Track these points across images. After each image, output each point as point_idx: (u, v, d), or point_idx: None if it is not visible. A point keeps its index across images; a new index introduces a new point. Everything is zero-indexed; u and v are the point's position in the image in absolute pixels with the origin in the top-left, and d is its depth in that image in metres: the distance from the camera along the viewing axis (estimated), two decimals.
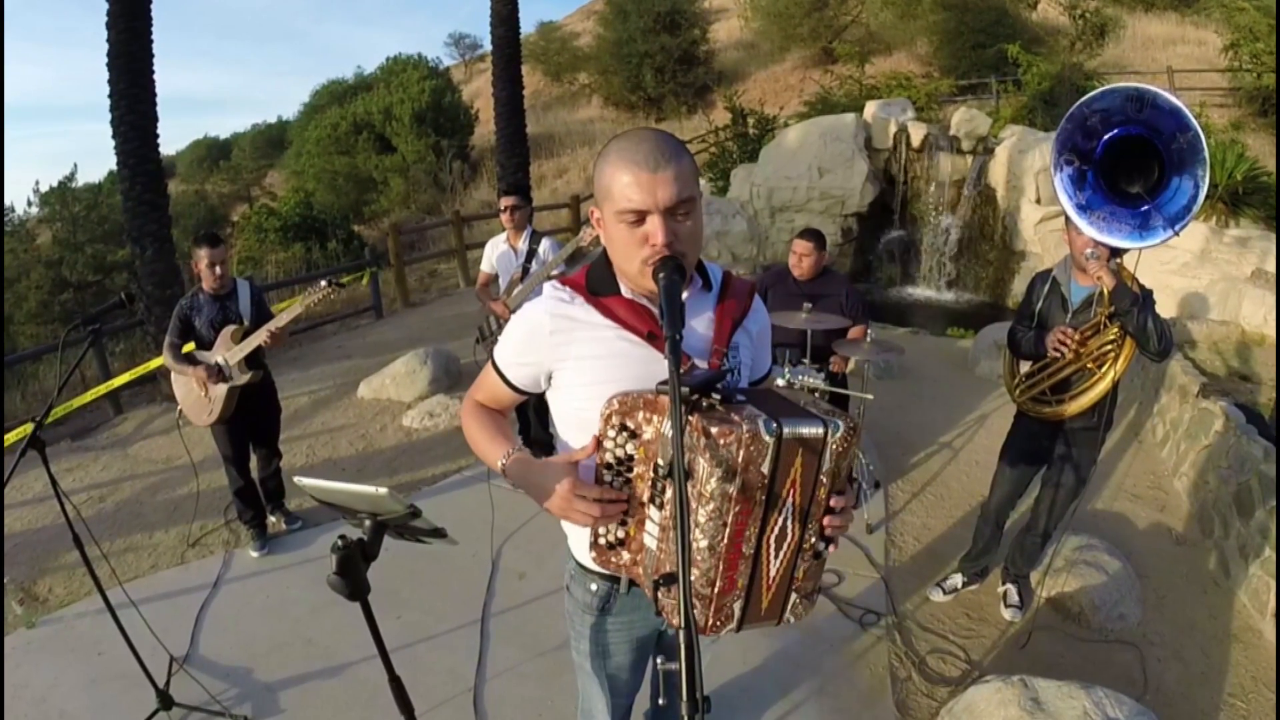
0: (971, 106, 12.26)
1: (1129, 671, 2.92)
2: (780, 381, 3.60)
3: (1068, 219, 2.54)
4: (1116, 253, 2.60)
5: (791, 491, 1.19)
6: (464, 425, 1.56)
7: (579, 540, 1.50)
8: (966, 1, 17.71)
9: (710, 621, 1.23)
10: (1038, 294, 2.98)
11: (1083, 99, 2.36)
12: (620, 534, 1.32)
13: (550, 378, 1.44)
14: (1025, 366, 3.08)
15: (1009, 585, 3.31)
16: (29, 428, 2.65)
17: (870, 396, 3.91)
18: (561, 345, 1.38)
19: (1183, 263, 7.78)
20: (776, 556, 1.23)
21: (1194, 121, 2.18)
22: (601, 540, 1.34)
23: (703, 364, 1.37)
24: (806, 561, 1.26)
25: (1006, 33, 16.29)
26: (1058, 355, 2.79)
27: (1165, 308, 7.31)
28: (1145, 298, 2.61)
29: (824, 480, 1.20)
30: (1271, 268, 6.88)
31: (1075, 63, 14.35)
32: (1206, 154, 2.20)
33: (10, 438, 5.05)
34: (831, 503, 1.23)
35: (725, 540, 1.17)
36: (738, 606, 1.24)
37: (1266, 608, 3.13)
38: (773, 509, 1.19)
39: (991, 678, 2.55)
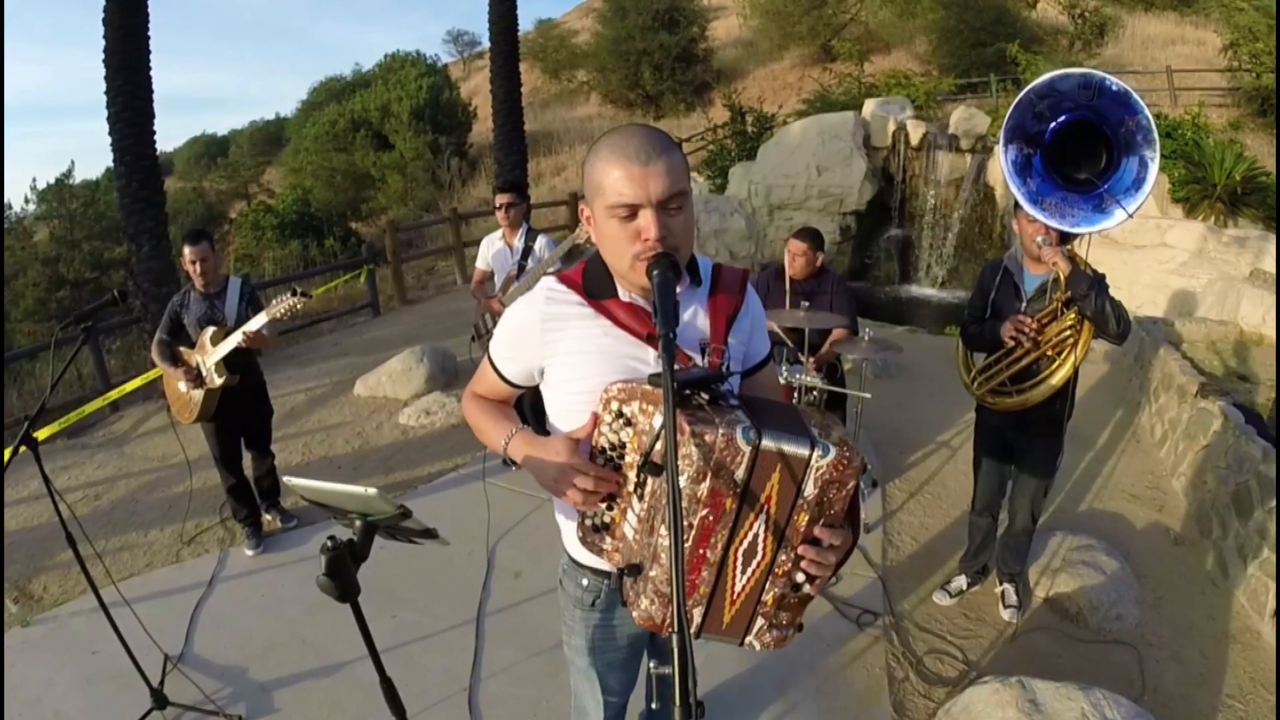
0: (970, 105, 12.26)
1: (1127, 672, 2.91)
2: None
3: (1017, 207, 2.55)
4: (1066, 238, 2.61)
5: (766, 506, 1.14)
6: (466, 415, 1.60)
7: (571, 534, 1.50)
8: (966, 0, 17.70)
9: (668, 620, 1.19)
10: (989, 285, 2.97)
11: (1032, 84, 2.36)
12: (606, 519, 1.31)
13: (542, 373, 1.45)
14: (980, 359, 3.06)
15: (1006, 585, 3.30)
16: (44, 432, 2.62)
17: (868, 395, 3.90)
18: (551, 342, 1.39)
19: (1181, 262, 7.79)
20: (744, 572, 1.19)
21: (1143, 105, 2.20)
22: (588, 522, 1.33)
23: (701, 361, 1.36)
24: (779, 588, 1.21)
25: (1006, 31, 16.29)
26: (1014, 344, 2.78)
27: (1162, 306, 7.35)
28: (1100, 281, 2.60)
29: (803, 504, 1.15)
30: (1268, 267, 6.88)
31: (1074, 62, 14.33)
32: (1156, 136, 2.22)
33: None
34: (816, 532, 1.17)
35: (690, 542, 1.14)
36: (697, 612, 1.21)
37: (1265, 608, 3.12)
38: (745, 520, 1.15)
39: (989, 678, 2.54)
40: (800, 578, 1.21)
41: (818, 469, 1.12)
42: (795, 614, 1.26)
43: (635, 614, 1.21)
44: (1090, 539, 3.53)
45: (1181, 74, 13.62)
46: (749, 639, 1.26)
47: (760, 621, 1.24)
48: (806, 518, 1.16)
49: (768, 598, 1.22)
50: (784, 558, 1.18)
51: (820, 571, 1.20)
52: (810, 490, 1.14)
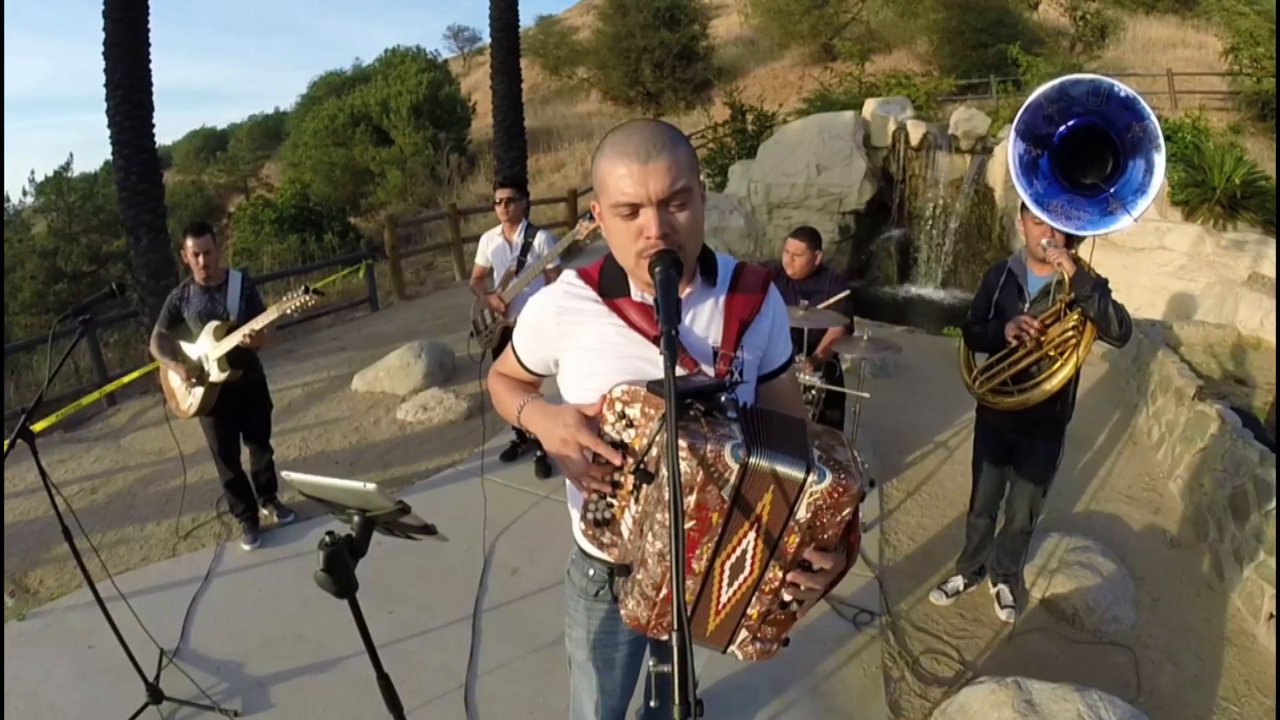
0: (971, 106, 12.25)
1: (1123, 674, 2.92)
2: None
3: (1023, 208, 2.57)
4: (1071, 240, 2.64)
5: (756, 523, 1.13)
6: (490, 389, 1.65)
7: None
8: (968, 1, 17.71)
9: (653, 623, 1.21)
10: (993, 285, 3.00)
11: (1041, 89, 2.38)
12: (607, 514, 1.31)
13: (557, 364, 1.48)
14: (982, 359, 3.08)
15: (1001, 586, 3.30)
16: (41, 425, 2.61)
17: (866, 395, 3.90)
18: (565, 336, 1.41)
19: (1180, 265, 7.79)
20: (730, 585, 1.19)
21: (1149, 111, 2.24)
22: (590, 515, 1.33)
23: (709, 369, 1.35)
24: (764, 605, 1.21)
25: (1007, 33, 16.33)
26: (1017, 344, 2.80)
27: (1161, 309, 7.35)
28: (1103, 283, 2.62)
29: (794, 526, 1.13)
30: (1267, 270, 6.89)
31: (1075, 64, 14.34)
32: (1161, 139, 2.25)
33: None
34: (807, 555, 1.17)
35: None
36: None
37: (1260, 612, 3.13)
38: (733, 535, 1.15)
39: (985, 679, 2.54)
40: (788, 596, 1.21)
41: (811, 493, 1.11)
42: (781, 629, 1.26)
43: (623, 613, 1.23)
44: (1087, 540, 3.53)
45: (1182, 77, 13.65)
46: (732, 648, 1.27)
47: (744, 633, 1.25)
48: (797, 540, 1.15)
49: (753, 612, 1.22)
50: (771, 575, 1.18)
51: (806, 595, 1.20)
52: (802, 514, 1.13)
